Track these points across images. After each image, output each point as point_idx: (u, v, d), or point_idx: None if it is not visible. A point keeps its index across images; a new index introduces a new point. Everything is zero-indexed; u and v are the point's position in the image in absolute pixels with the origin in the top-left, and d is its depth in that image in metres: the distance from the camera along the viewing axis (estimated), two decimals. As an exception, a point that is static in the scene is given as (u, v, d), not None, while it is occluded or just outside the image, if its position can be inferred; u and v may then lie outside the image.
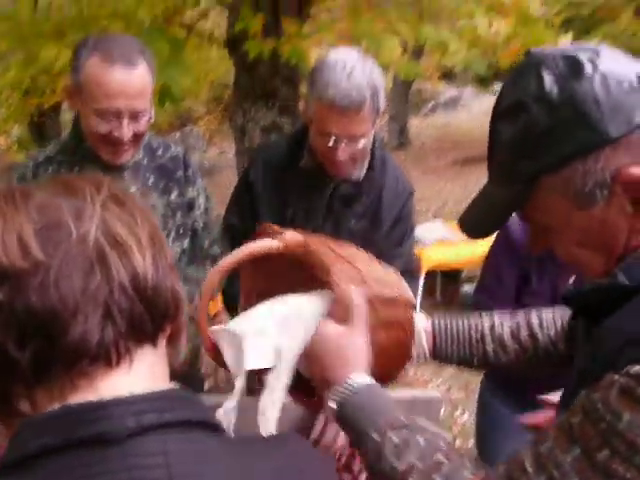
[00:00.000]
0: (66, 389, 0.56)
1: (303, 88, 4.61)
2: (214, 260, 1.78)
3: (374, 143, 1.74)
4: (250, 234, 1.79)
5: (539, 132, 0.76)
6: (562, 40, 3.71)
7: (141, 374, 0.59)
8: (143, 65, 1.46)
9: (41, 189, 0.59)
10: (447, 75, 15.95)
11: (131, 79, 1.44)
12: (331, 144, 1.58)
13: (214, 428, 0.61)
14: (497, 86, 16.02)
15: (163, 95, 3.83)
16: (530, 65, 0.78)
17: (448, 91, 17.19)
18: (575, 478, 0.68)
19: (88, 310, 0.55)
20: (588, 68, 0.74)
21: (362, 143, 1.62)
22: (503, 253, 1.75)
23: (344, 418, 0.84)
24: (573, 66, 0.75)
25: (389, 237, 1.73)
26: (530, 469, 0.71)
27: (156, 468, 0.54)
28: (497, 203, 0.84)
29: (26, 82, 7.19)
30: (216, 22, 5.35)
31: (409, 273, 1.69)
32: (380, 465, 0.79)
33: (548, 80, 0.75)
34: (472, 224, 0.88)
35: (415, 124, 14.75)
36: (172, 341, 0.63)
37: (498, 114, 0.82)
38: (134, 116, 1.47)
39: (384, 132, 14.67)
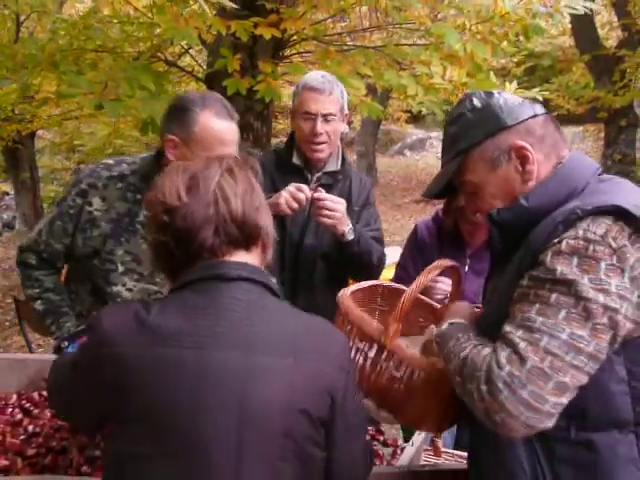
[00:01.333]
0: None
1: (275, 124, 4.97)
2: None
3: (342, 148, 2.33)
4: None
5: (469, 124, 1.31)
6: (507, 88, 4.15)
7: (237, 259, 1.12)
8: (236, 117, 1.79)
9: (192, 165, 1.12)
10: (416, 118, 16.59)
11: (234, 130, 1.76)
12: (309, 125, 2.16)
13: (278, 296, 1.15)
14: (462, 130, 16.74)
15: (146, 125, 4.15)
16: (465, 96, 1.37)
17: (416, 133, 17.83)
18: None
19: (206, 228, 1.09)
20: (497, 94, 1.34)
21: (333, 125, 2.16)
22: (410, 250, 2.31)
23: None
24: (488, 93, 1.34)
25: (360, 218, 2.26)
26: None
27: (244, 299, 1.08)
28: (443, 173, 1.36)
29: (8, 109, 7.44)
30: (196, 59, 5.71)
31: (379, 242, 2.31)
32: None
33: (475, 100, 1.33)
34: (427, 189, 1.42)
35: (383, 162, 15.27)
36: (263, 251, 1.18)
37: (448, 123, 1.38)
38: None
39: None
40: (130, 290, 1.86)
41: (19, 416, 1.40)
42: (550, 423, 1.07)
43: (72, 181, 1.91)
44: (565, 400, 1.07)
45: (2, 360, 1.61)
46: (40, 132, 12.29)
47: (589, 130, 13.78)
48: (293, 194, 2.01)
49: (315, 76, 2.25)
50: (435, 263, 1.36)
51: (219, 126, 1.71)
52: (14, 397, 1.48)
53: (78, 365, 1.10)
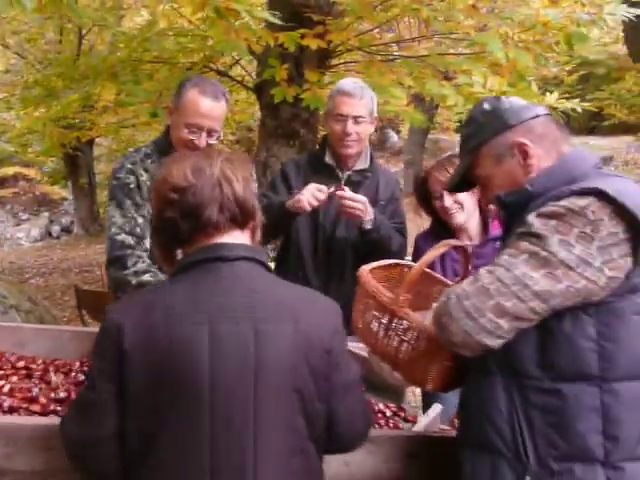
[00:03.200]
0: (201, 242, 1.25)
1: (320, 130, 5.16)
2: None
3: (371, 148, 2.55)
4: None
5: (480, 125, 1.49)
6: (547, 99, 4.21)
7: (234, 239, 1.26)
8: (223, 101, 2.10)
9: (194, 155, 1.27)
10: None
11: (215, 108, 2.07)
12: (341, 125, 2.37)
13: (271, 271, 1.30)
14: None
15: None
16: (478, 103, 1.56)
17: (464, 142, 17.74)
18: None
19: (212, 206, 1.23)
20: (504, 99, 1.52)
21: (362, 126, 2.40)
22: (415, 259, 2.38)
23: None
24: (497, 98, 1.53)
25: (385, 211, 2.47)
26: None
27: (245, 276, 1.22)
28: (458, 169, 1.58)
29: (70, 117, 7.84)
30: (246, 69, 5.93)
31: (402, 233, 2.49)
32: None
33: (485, 104, 1.52)
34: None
35: (430, 172, 15.25)
36: (253, 232, 1.31)
37: (463, 126, 1.56)
38: (210, 132, 2.08)
39: (400, 178, 15.15)
40: None
41: (81, 377, 1.59)
42: (488, 340, 1.26)
43: (114, 172, 2.19)
44: (504, 323, 1.25)
45: (67, 332, 1.81)
46: (98, 140, 12.86)
47: (643, 139, 13.48)
48: (313, 193, 2.23)
49: (348, 82, 2.49)
50: (442, 242, 1.51)
51: (199, 100, 2.05)
52: (77, 364, 1.67)
53: (100, 368, 1.17)
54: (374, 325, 1.51)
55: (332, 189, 2.25)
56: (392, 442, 1.42)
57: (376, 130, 2.71)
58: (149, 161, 2.17)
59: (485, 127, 1.47)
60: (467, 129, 1.54)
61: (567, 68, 14.01)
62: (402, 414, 1.69)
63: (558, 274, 1.23)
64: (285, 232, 2.52)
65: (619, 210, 1.24)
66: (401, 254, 2.44)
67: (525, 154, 1.42)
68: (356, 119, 2.37)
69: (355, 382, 1.33)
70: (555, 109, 4.23)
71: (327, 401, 1.24)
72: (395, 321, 1.47)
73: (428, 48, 5.90)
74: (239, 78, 5.59)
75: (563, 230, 1.25)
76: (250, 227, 1.30)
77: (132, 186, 2.11)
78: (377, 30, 5.81)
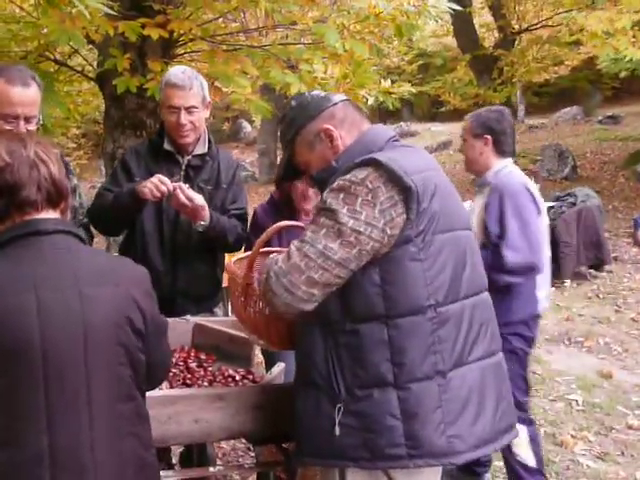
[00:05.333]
0: (15, 220, 1.33)
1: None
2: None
3: (208, 133, 2.62)
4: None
5: (290, 120, 1.71)
6: (383, 84, 4.54)
7: (49, 216, 1.35)
8: (34, 85, 2.09)
9: (3, 137, 1.31)
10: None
11: (26, 94, 2.06)
12: (175, 117, 2.43)
13: (85, 243, 1.32)
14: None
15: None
16: (290, 99, 1.77)
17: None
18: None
19: (30, 185, 1.31)
20: (307, 94, 1.75)
21: (196, 115, 2.46)
22: (253, 231, 2.61)
23: None
24: (301, 94, 1.70)
25: (227, 194, 2.56)
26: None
27: (64, 247, 1.32)
28: (281, 160, 1.77)
29: None
30: (86, 59, 5.73)
31: (242, 219, 2.59)
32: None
33: (293, 101, 1.75)
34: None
35: (285, 161, 15.52)
36: (63, 212, 1.40)
37: (279, 122, 1.77)
38: (27, 119, 2.07)
39: (256, 167, 15.31)
40: None
41: None
42: (306, 307, 1.50)
43: None
44: (316, 291, 1.48)
45: None
46: None
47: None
48: (157, 185, 2.28)
49: (176, 72, 2.52)
50: (278, 223, 1.69)
51: (8, 90, 2.06)
52: None
53: None
54: (240, 303, 1.69)
55: (175, 181, 2.32)
56: (238, 397, 1.55)
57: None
58: None
59: (295, 120, 1.68)
60: (282, 125, 1.75)
61: (406, 58, 14.92)
62: (250, 377, 1.83)
63: (351, 240, 1.45)
64: (132, 221, 2.53)
65: (391, 176, 1.47)
66: (238, 245, 2.55)
67: (330, 137, 1.63)
68: (188, 110, 2.43)
69: (164, 335, 1.49)
70: (392, 94, 4.57)
71: (146, 351, 1.38)
72: (246, 296, 1.66)
73: (273, 40, 6.06)
74: (79, 68, 5.39)
75: (349, 201, 1.46)
76: (62, 207, 1.39)
77: None
78: (222, 20, 5.86)
